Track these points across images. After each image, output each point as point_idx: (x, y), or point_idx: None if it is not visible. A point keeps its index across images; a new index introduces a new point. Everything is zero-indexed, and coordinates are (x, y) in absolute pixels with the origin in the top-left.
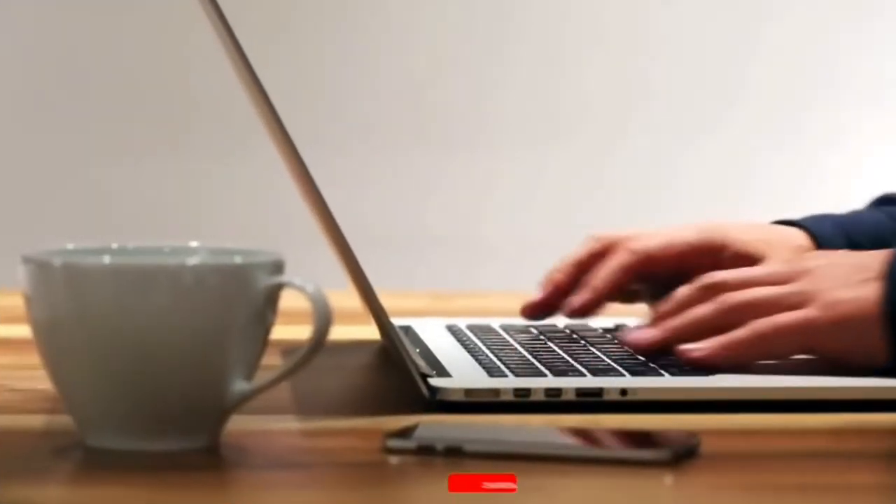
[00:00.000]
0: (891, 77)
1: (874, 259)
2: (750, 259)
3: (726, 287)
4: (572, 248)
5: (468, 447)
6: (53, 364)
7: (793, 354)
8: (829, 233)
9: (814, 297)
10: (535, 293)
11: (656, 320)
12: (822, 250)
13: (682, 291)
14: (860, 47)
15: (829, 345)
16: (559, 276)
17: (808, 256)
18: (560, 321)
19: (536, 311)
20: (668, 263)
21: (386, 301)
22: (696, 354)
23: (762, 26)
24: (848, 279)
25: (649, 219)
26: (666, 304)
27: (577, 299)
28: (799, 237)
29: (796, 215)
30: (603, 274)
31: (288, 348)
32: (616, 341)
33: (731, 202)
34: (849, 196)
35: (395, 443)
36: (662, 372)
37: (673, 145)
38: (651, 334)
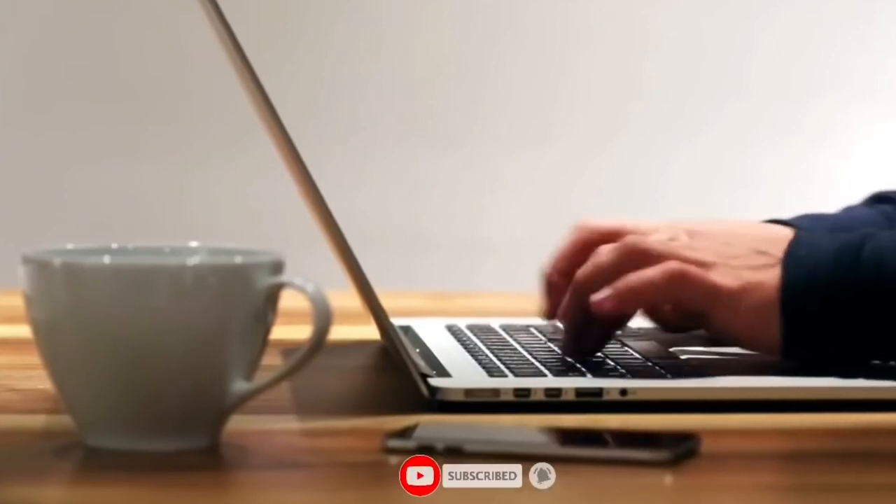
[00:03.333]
0: (883, 75)
1: (774, 244)
2: None
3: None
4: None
5: (468, 447)
6: (53, 364)
7: (688, 311)
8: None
9: (718, 267)
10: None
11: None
12: (720, 220)
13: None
14: (853, 46)
15: (728, 317)
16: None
17: (707, 222)
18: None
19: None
20: None
21: (386, 301)
22: (599, 299)
23: (755, 25)
24: (748, 261)
25: (646, 217)
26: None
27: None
28: (785, 232)
29: (788, 214)
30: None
31: (288, 348)
32: (616, 341)
33: (726, 197)
34: (841, 193)
35: (395, 443)
36: (663, 372)
37: (671, 143)
38: (566, 299)
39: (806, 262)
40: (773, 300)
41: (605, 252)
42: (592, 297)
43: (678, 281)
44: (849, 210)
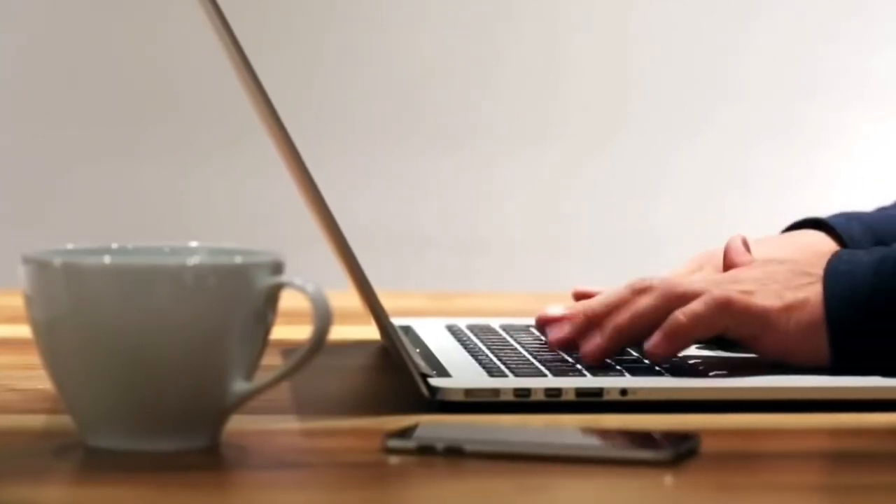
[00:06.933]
0: (882, 75)
1: (813, 265)
2: None
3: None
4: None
5: (468, 447)
6: (53, 364)
7: (739, 338)
8: (857, 234)
9: (759, 291)
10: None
11: (590, 324)
12: (758, 261)
13: (611, 291)
14: (852, 46)
15: (778, 338)
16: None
17: (743, 269)
18: None
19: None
20: None
21: (386, 301)
22: (653, 345)
23: (754, 26)
24: (790, 283)
25: (644, 217)
26: (595, 306)
27: (600, 341)
28: (823, 243)
29: (786, 214)
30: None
31: (288, 348)
32: None
33: (726, 197)
34: (840, 193)
35: (395, 443)
36: (663, 372)
37: (671, 143)
38: (596, 343)
39: (846, 276)
40: (818, 316)
41: (643, 300)
42: (646, 345)
43: (724, 308)
44: (882, 210)
